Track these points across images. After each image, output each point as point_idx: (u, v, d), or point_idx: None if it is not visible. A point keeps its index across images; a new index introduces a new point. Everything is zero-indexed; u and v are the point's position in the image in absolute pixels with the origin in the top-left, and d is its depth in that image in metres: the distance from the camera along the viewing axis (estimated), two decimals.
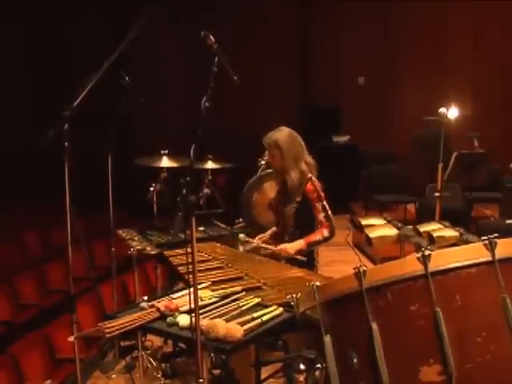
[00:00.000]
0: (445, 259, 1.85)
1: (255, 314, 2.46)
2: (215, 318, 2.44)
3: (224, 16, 9.56)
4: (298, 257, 3.61)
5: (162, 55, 10.02)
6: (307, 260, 3.66)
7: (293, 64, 10.24)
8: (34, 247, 6.91)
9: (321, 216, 3.62)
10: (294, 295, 2.19)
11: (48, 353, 4.13)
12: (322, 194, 3.65)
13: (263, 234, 3.94)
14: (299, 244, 3.63)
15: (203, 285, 2.87)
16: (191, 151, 2.33)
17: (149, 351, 4.23)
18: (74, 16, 9.59)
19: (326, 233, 3.61)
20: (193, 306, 2.22)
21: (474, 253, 1.87)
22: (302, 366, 3.29)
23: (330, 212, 3.63)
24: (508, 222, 5.53)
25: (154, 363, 4.09)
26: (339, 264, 6.22)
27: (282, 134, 3.70)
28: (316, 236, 3.61)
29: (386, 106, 10.03)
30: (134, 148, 7.20)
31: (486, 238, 1.87)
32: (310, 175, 3.66)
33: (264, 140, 3.73)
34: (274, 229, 3.96)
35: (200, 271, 3.00)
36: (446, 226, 4.72)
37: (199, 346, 2.19)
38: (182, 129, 7.96)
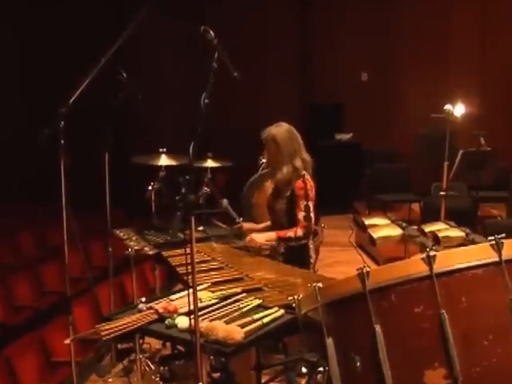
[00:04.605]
0: (450, 260, 1.86)
1: (256, 316, 2.46)
2: (215, 319, 2.44)
3: (224, 11, 9.56)
4: (265, 246, 3.65)
5: (160, 51, 10.01)
6: (302, 258, 3.69)
7: (294, 60, 10.24)
8: (29, 247, 6.91)
9: (301, 214, 3.62)
10: (296, 296, 2.19)
11: (43, 356, 4.12)
12: (311, 194, 3.65)
13: (255, 225, 3.96)
14: (269, 236, 3.67)
15: (203, 286, 2.87)
16: (190, 149, 2.33)
17: (147, 354, 4.23)
18: (70, 9, 9.58)
19: (299, 232, 3.61)
20: (192, 307, 2.22)
21: (480, 253, 1.87)
22: (303, 370, 3.30)
23: (311, 214, 3.64)
24: None
25: (152, 366, 4.10)
26: (342, 265, 6.23)
27: (281, 128, 3.75)
28: (289, 232, 3.62)
29: (389, 102, 10.02)
30: (132, 146, 7.21)
31: (492, 238, 1.87)
32: (303, 172, 3.67)
33: (262, 134, 3.78)
34: (267, 223, 3.97)
35: (199, 272, 3.00)
36: (451, 226, 4.73)
37: (198, 349, 2.19)
38: (180, 126, 7.96)
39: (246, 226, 4.03)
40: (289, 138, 3.71)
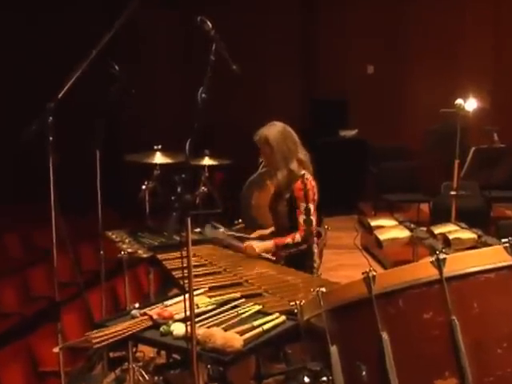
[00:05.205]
0: (461, 263, 1.86)
1: (256, 323, 2.47)
2: (212, 326, 2.44)
3: (224, 5, 9.55)
4: (267, 256, 3.66)
5: (156, 42, 10.01)
6: (305, 262, 3.70)
7: (296, 53, 10.24)
8: (15, 250, 6.91)
9: (301, 218, 3.62)
10: (298, 302, 2.20)
11: (30, 365, 4.12)
12: (311, 195, 3.64)
13: (263, 231, 3.97)
14: (267, 244, 3.68)
15: (200, 291, 2.88)
16: (187, 146, 2.33)
17: (140, 363, 4.23)
18: (61, 4, 9.58)
19: (298, 237, 3.60)
20: (188, 313, 2.22)
21: (493, 256, 1.87)
22: (306, 379, 3.30)
23: (312, 217, 3.63)
24: None
25: (146, 376, 4.09)
26: (346, 268, 6.23)
27: (273, 129, 3.73)
28: (287, 239, 3.62)
29: (397, 97, 10.02)
30: (125, 143, 7.21)
31: (506, 240, 1.88)
32: (302, 172, 3.67)
33: (255, 136, 3.76)
34: (272, 229, 3.98)
35: (196, 276, 3.00)
36: (462, 228, 4.73)
37: (195, 357, 2.19)
38: (176, 122, 7.97)
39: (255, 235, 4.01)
40: (282, 138, 3.70)
